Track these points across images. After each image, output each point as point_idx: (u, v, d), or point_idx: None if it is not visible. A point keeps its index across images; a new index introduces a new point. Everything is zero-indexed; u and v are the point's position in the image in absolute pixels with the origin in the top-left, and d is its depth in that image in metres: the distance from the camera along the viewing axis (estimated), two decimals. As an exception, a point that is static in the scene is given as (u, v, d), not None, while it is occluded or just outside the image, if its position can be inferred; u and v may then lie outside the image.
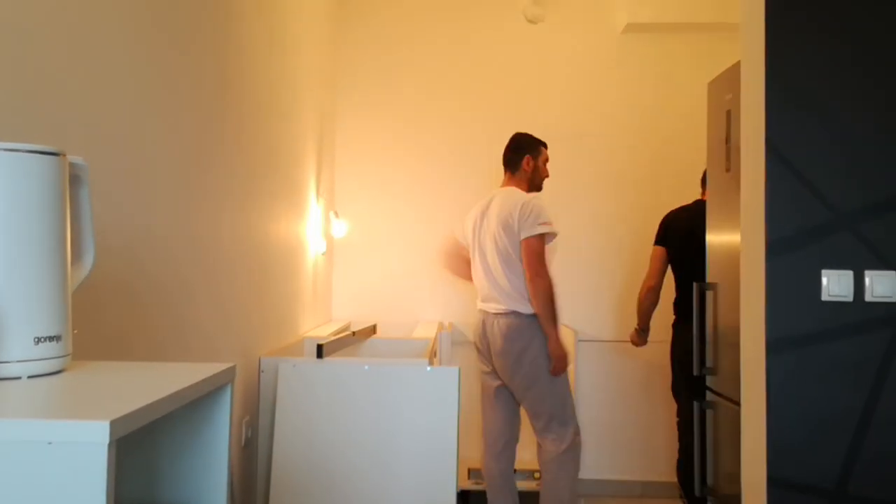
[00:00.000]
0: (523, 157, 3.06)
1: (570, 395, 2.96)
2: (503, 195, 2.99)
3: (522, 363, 2.87)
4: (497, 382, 3.00)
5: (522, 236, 2.86)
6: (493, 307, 2.94)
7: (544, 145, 3.10)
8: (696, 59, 3.85)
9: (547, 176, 3.11)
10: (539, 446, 2.96)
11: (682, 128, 3.85)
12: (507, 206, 2.91)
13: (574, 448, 2.92)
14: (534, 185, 3.06)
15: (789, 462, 1.87)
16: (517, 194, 2.96)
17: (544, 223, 2.86)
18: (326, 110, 3.69)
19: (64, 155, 0.93)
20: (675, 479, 3.34)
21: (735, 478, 2.14)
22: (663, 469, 3.71)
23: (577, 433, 2.94)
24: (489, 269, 2.95)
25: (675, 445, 3.33)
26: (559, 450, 2.89)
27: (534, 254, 2.84)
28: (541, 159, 3.08)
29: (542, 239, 2.86)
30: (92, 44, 1.34)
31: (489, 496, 3.04)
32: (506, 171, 3.09)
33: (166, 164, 1.68)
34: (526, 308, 2.87)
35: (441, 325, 3.72)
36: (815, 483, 1.86)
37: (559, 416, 2.91)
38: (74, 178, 0.98)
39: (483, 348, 3.01)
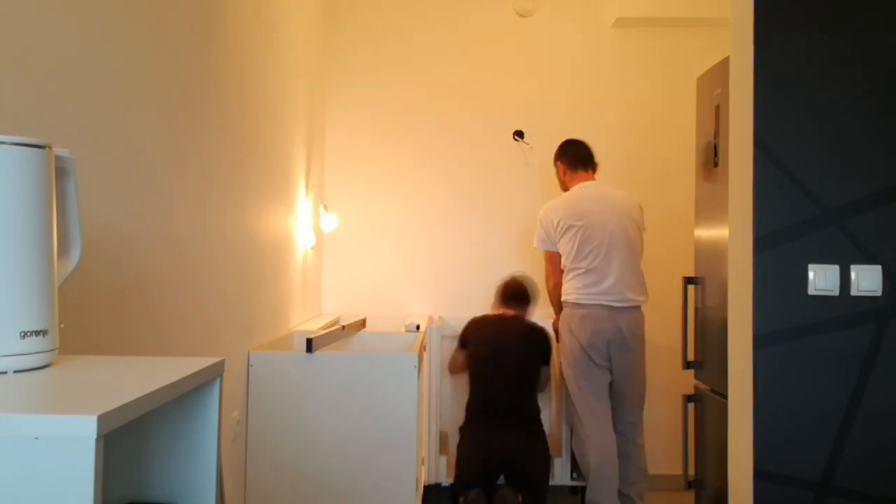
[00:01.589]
0: None
1: None
2: (611, 191, 3.17)
3: (642, 354, 3.08)
4: (608, 378, 3.06)
5: (639, 232, 3.10)
6: (625, 301, 3.01)
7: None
8: (685, 54, 3.85)
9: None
10: (631, 439, 3.09)
11: (670, 122, 3.86)
12: (628, 202, 3.12)
13: None
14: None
15: (776, 454, 1.88)
16: (621, 191, 3.20)
17: None
18: (316, 105, 3.67)
19: (50, 147, 0.92)
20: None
21: (722, 469, 2.16)
22: (662, 461, 3.71)
23: None
24: (621, 262, 3.01)
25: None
26: (642, 441, 3.12)
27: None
28: None
29: None
30: (78, 38, 1.33)
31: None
32: (592, 168, 3.25)
33: (154, 158, 1.67)
34: (645, 300, 3.08)
35: (431, 320, 3.72)
36: (801, 475, 1.88)
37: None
38: (61, 171, 0.97)
39: (605, 343, 3.01)
